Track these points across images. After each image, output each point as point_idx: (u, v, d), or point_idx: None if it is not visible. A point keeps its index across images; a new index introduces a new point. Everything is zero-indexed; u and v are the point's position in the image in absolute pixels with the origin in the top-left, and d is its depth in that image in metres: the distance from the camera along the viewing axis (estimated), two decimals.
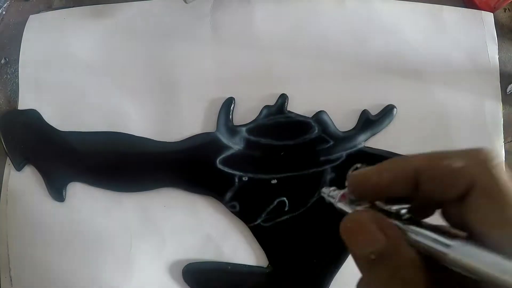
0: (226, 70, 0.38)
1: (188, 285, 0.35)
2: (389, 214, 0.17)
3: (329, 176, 0.35)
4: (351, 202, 0.19)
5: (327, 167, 0.35)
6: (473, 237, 0.15)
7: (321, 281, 0.34)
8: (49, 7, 0.42)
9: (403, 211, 0.17)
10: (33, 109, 0.39)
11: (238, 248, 0.36)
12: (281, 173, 0.35)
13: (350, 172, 0.18)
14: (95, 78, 0.39)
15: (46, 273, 0.37)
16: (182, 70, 0.38)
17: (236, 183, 0.35)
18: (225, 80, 0.37)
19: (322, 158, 0.35)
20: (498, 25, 0.37)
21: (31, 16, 0.41)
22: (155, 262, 0.36)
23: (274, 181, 0.35)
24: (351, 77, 0.37)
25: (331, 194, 0.21)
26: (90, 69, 0.39)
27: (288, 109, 0.36)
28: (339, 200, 0.19)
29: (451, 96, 0.36)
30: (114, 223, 0.37)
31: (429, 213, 0.18)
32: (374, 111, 0.36)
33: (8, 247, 0.38)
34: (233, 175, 0.35)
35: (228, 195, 0.35)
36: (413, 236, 0.16)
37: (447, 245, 0.14)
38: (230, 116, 0.36)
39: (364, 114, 0.36)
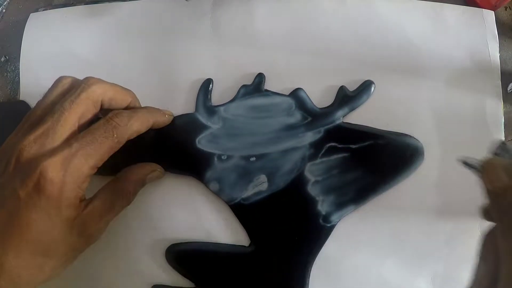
0: (228, 66, 0.38)
1: (171, 265, 0.35)
2: None
3: (308, 152, 0.35)
4: None
5: (306, 143, 0.35)
6: None
7: (303, 258, 0.34)
8: (49, 5, 0.43)
9: None
10: (22, 101, 0.40)
11: (220, 227, 0.36)
12: (259, 150, 0.35)
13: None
14: (96, 75, 0.40)
15: None
16: (182, 67, 0.38)
17: (215, 162, 0.35)
18: (226, 74, 0.38)
19: (300, 135, 0.35)
20: (499, 23, 0.37)
21: (31, 14, 0.42)
22: (138, 244, 0.36)
23: (253, 159, 0.35)
24: (351, 73, 0.37)
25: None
26: (91, 67, 0.40)
27: (266, 88, 0.36)
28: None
29: (451, 94, 0.36)
30: None
31: None
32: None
33: None
34: (212, 154, 0.35)
35: (208, 174, 0.35)
36: None
37: None
38: (209, 96, 0.37)
39: (342, 90, 0.36)
